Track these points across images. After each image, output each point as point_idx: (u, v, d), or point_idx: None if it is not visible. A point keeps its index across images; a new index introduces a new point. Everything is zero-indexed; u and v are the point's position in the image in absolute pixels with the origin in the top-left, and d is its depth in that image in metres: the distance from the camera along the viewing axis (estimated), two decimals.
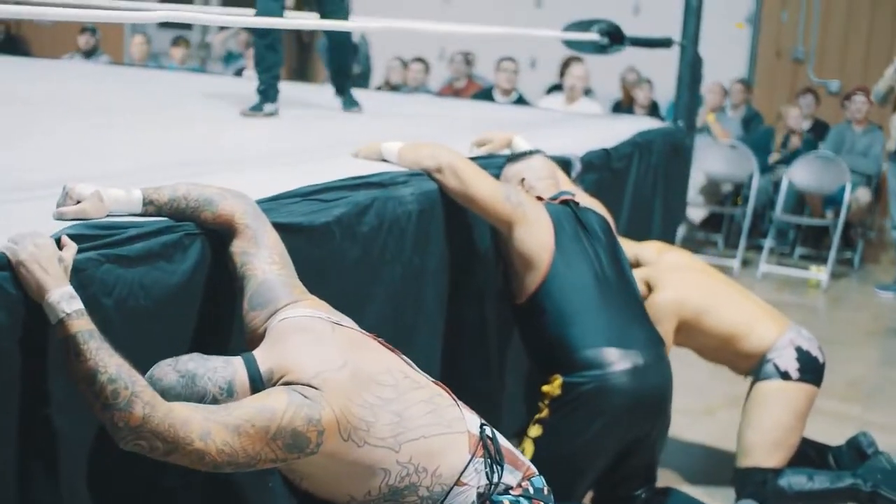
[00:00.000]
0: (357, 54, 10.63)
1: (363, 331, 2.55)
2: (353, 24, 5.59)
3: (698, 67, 6.19)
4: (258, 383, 2.31)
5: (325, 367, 2.32)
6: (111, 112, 5.06)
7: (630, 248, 4.21)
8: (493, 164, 3.92)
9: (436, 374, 3.56)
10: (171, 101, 5.76)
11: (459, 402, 2.55)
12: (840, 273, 8.78)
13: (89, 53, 10.41)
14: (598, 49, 6.13)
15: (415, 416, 2.40)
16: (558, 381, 3.48)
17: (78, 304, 2.13)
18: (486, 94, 8.82)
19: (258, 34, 5.03)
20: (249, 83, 5.48)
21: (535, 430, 3.55)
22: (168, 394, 2.24)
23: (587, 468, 3.57)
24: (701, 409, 4.31)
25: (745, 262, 8.72)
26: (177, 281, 2.49)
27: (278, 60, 5.00)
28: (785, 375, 4.07)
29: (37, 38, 13.07)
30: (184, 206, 2.56)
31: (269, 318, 2.45)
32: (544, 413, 3.53)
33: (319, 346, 2.38)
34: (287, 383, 2.30)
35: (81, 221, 2.40)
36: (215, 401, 2.28)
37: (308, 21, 5.73)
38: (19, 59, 9.14)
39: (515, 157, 3.89)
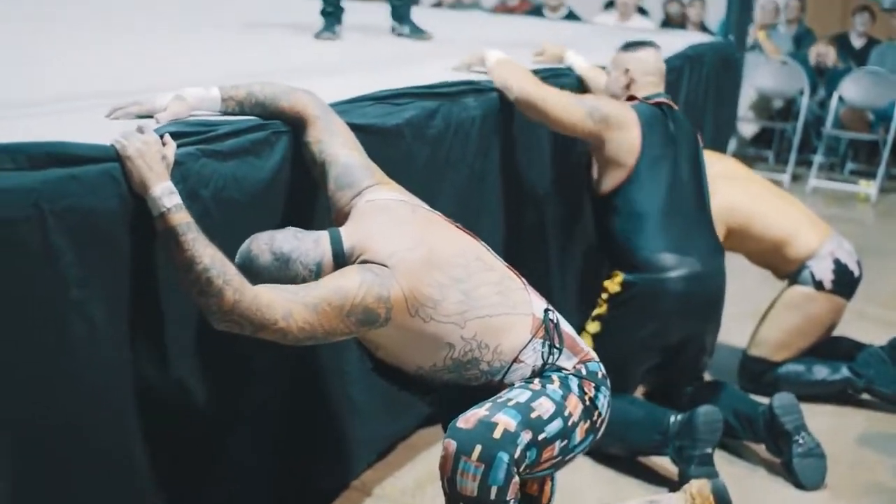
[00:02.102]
0: None
1: (441, 214, 2.73)
2: None
3: None
4: (341, 258, 2.52)
5: (400, 247, 2.51)
6: (179, 30, 5.27)
7: None
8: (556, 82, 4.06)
9: None
10: (233, 17, 5.94)
11: (529, 288, 2.73)
12: (890, 188, 8.86)
13: None
14: None
15: (482, 295, 2.57)
16: (619, 277, 3.67)
17: (177, 199, 2.33)
18: (536, 11, 8.93)
19: None
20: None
21: (593, 326, 3.74)
22: (261, 274, 2.45)
23: (638, 364, 3.77)
24: (749, 313, 4.47)
25: (796, 177, 8.83)
26: (265, 176, 2.71)
27: None
28: (819, 285, 4.19)
29: None
30: (260, 100, 2.75)
31: (354, 198, 2.64)
32: (603, 309, 3.72)
33: (398, 227, 2.56)
34: (364, 261, 2.50)
35: (178, 119, 2.60)
36: (304, 280, 2.48)
37: None
38: None
39: (628, 46, 3.91)
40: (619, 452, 3.71)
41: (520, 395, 2.57)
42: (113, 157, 2.33)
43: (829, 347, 4.42)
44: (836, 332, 4.47)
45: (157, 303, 2.48)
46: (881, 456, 3.91)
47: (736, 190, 4.24)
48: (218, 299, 2.30)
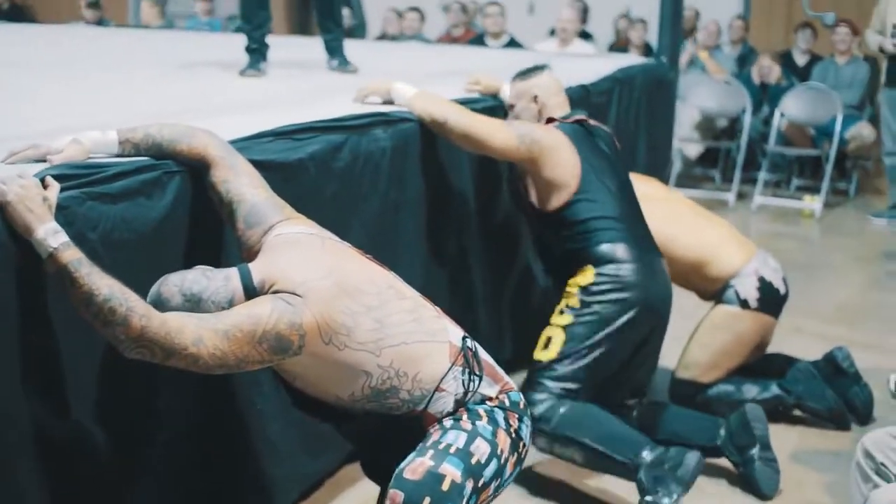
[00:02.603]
0: (349, 5, 10.74)
1: (351, 246, 2.73)
2: None
3: (679, 4, 6.31)
4: (252, 293, 2.50)
5: (310, 276, 2.50)
6: (108, 71, 5.24)
7: None
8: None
9: None
10: (165, 58, 5.92)
11: (444, 316, 2.72)
12: (835, 203, 8.91)
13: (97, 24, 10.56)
14: None
15: (396, 323, 2.57)
16: (591, 270, 3.66)
17: (64, 237, 2.31)
18: (478, 40, 8.99)
19: None
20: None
21: (564, 319, 3.69)
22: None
23: (611, 362, 3.70)
24: (685, 333, 4.44)
25: (742, 195, 8.86)
26: (157, 215, 2.69)
27: (267, 17, 5.03)
28: (744, 304, 4.17)
29: (41, 5, 13.23)
30: (158, 141, 2.74)
31: (264, 235, 2.63)
32: (574, 300, 3.68)
33: (308, 258, 2.56)
34: (275, 292, 2.48)
35: (62, 162, 2.57)
36: None
37: None
38: (26, 26, 9.31)
39: (524, 74, 3.93)
40: (578, 459, 3.64)
41: (457, 438, 2.55)
42: None
43: (764, 364, 4.42)
44: (777, 348, 4.50)
45: (47, 346, 2.44)
46: (811, 472, 3.91)
47: (652, 212, 4.13)
48: (124, 327, 2.28)
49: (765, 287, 4.19)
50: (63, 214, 2.41)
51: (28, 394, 2.40)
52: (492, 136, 3.68)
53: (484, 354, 2.73)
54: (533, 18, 11.40)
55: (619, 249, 3.67)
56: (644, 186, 4.35)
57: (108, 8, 11.30)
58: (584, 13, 10.09)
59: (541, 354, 3.69)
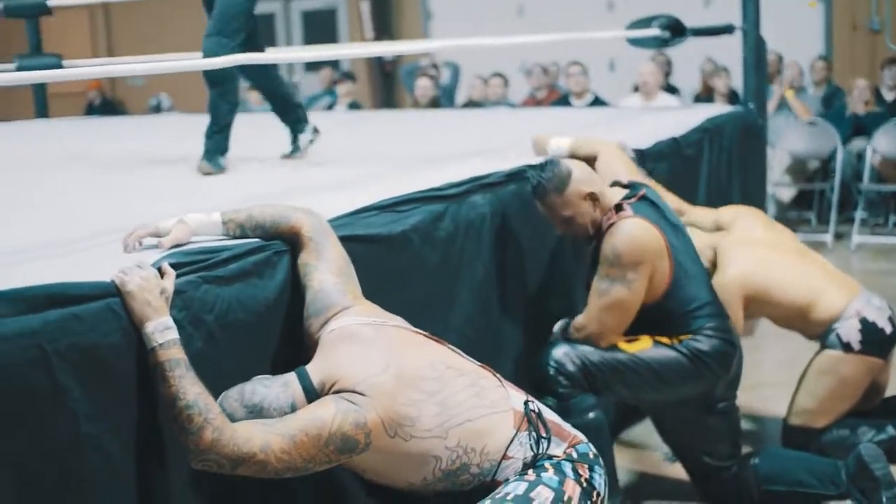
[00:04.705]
0: (450, 72, 10.90)
1: (408, 326, 2.75)
2: (408, 47, 5.65)
3: (762, 50, 6.29)
4: (312, 395, 2.54)
5: (369, 372, 2.53)
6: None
7: (709, 214, 4.48)
8: None
9: (525, 365, 3.76)
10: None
11: (504, 382, 2.74)
12: None
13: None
14: (661, 43, 6.29)
15: (459, 402, 2.59)
16: (688, 336, 3.63)
17: (171, 335, 2.39)
18: (563, 101, 9.03)
19: (210, 83, 4.36)
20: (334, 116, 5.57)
21: (663, 339, 3.64)
22: None
23: (672, 398, 3.72)
24: (793, 378, 4.39)
25: (840, 236, 8.75)
26: (270, 294, 2.75)
27: (232, 109, 4.42)
28: (847, 347, 4.06)
29: (131, 98, 13.67)
30: (259, 223, 2.81)
31: (322, 327, 2.67)
32: (673, 341, 3.63)
33: (364, 352, 2.58)
34: (337, 391, 2.53)
35: (177, 249, 2.67)
36: None
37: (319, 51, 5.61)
38: (113, 119, 9.56)
39: (551, 182, 3.57)
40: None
41: (517, 487, 2.58)
42: (113, 292, 2.39)
43: (883, 406, 4.35)
44: None
45: (167, 434, 2.49)
46: None
47: (751, 257, 4.15)
48: (196, 437, 2.34)
49: (867, 328, 4.08)
50: (181, 299, 2.49)
51: (150, 481, 2.46)
52: (623, 314, 3.61)
53: (549, 414, 2.75)
54: (614, 75, 11.46)
55: (718, 322, 3.65)
56: (747, 228, 4.33)
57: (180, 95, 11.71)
58: (668, 67, 10.13)
59: (623, 345, 3.65)
